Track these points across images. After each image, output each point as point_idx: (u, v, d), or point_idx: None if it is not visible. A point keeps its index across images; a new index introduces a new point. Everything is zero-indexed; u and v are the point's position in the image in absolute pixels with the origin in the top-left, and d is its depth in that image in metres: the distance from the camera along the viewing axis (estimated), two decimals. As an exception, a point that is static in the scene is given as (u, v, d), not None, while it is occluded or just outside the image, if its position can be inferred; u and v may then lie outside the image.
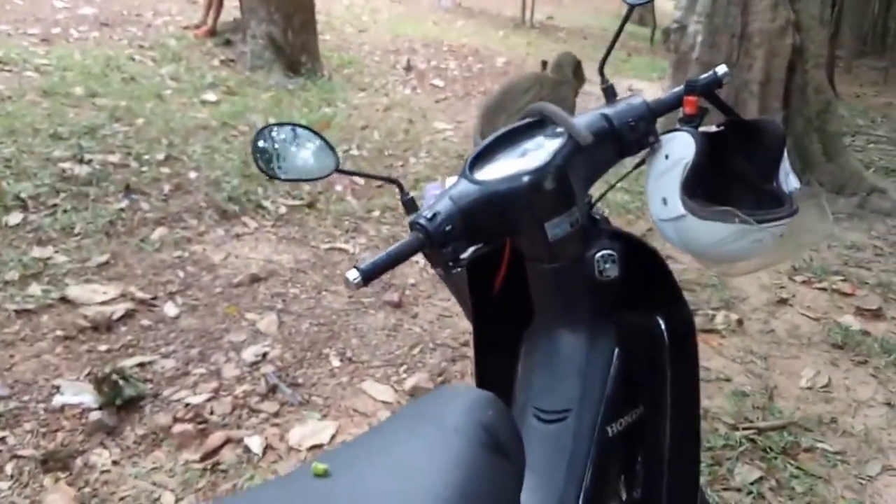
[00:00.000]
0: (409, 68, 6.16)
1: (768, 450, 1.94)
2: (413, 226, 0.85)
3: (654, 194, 0.96)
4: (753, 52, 4.04)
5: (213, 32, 5.75)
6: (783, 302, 2.80)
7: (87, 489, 1.65)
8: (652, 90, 6.29)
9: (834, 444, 2.01)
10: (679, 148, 0.93)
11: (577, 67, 2.97)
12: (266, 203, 3.15)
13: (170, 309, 2.35)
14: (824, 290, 2.92)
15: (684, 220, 0.91)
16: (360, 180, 3.54)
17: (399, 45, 6.96)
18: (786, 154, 0.97)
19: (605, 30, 10.15)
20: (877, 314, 2.75)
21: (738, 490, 1.81)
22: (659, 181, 0.95)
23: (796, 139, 4.13)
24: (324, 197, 3.34)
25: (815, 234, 1.09)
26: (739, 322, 2.61)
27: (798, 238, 0.98)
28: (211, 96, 4.47)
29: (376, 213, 3.26)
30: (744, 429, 2.02)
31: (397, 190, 0.99)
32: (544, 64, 3.01)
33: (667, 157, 0.94)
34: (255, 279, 2.60)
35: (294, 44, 5.29)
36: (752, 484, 1.82)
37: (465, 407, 0.70)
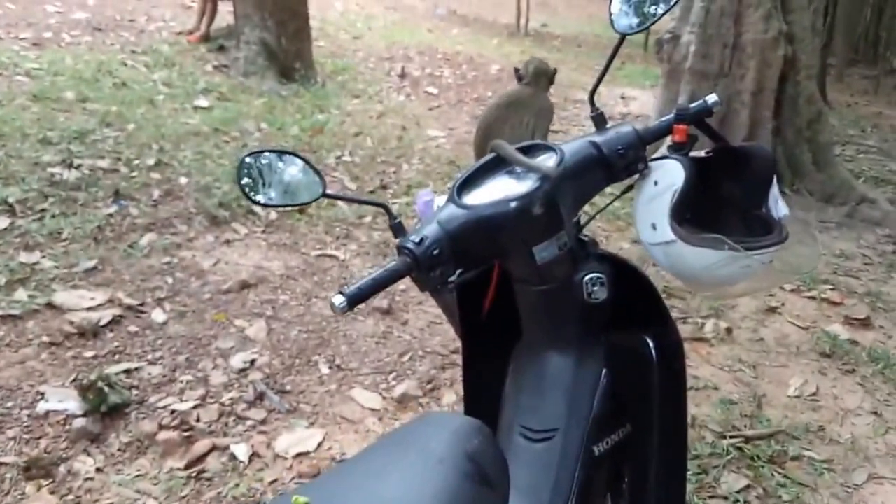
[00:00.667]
0: (403, 75, 6.17)
1: (755, 458, 1.94)
2: (400, 249, 0.85)
3: (643, 219, 0.97)
4: (746, 63, 4.07)
5: (206, 38, 5.77)
6: (772, 311, 2.80)
7: (69, 497, 1.64)
8: (644, 98, 6.32)
9: (821, 452, 2.01)
10: (668, 175, 0.94)
11: (553, 73, 3.04)
12: (257, 209, 3.14)
13: (157, 315, 2.34)
14: (813, 298, 2.93)
15: (673, 246, 0.92)
16: (352, 185, 3.53)
17: (394, 52, 6.97)
18: (775, 180, 0.98)
19: (599, 37, 10.19)
20: (865, 323, 2.76)
21: (725, 498, 1.81)
22: (648, 206, 0.95)
23: (787, 149, 4.16)
24: (315, 203, 3.32)
25: (804, 262, 1.10)
26: (728, 330, 2.61)
27: (787, 264, 0.98)
28: (203, 102, 4.47)
29: (368, 219, 3.26)
30: (731, 437, 2.02)
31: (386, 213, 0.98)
32: (517, 70, 3.05)
33: (656, 183, 0.95)
34: (245, 286, 2.59)
35: (288, 50, 5.30)
36: (738, 492, 1.82)
37: (450, 435, 0.70)
